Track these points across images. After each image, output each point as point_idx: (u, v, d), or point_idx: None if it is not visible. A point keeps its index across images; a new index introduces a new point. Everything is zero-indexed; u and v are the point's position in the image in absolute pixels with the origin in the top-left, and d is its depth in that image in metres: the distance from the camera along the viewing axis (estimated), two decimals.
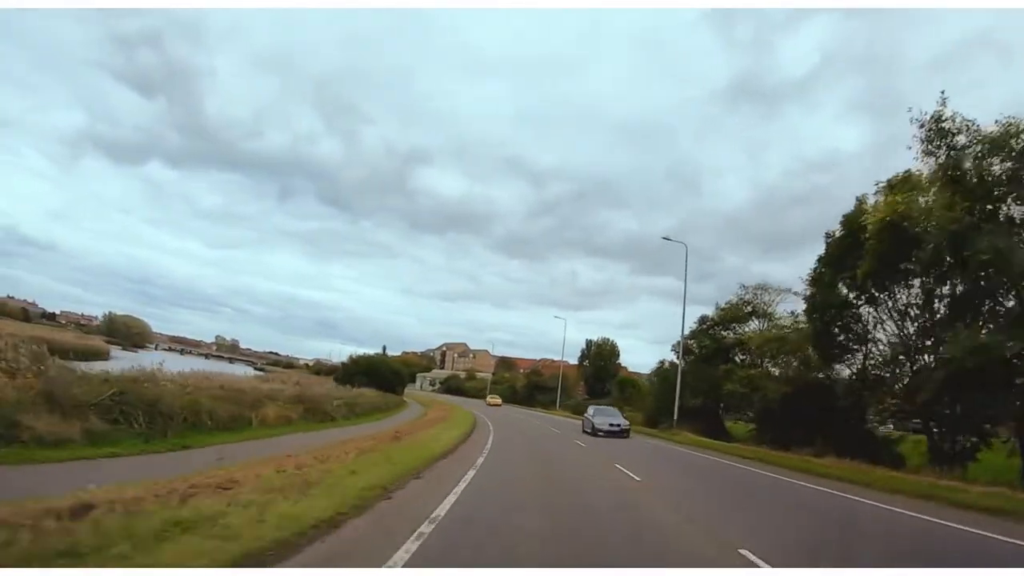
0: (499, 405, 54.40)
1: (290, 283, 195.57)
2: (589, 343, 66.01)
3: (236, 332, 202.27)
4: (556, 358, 77.83)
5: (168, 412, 12.15)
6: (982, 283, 13.82)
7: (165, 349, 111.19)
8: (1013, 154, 12.89)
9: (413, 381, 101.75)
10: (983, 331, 13.75)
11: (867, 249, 14.80)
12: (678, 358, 29.77)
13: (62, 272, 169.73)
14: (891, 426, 19.75)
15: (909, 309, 16.00)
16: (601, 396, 60.39)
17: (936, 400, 14.14)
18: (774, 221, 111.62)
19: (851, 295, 17.11)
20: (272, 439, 13.56)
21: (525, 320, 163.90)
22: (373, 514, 5.72)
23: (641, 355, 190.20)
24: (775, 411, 19.85)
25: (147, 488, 5.36)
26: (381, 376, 43.66)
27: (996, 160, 13.33)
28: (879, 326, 16.95)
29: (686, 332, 27.09)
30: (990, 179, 13.38)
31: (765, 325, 27.07)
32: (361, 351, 52.01)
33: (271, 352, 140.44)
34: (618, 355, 64.81)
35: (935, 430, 15.44)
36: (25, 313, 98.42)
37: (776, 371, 24.36)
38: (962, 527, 7.51)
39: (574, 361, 68.80)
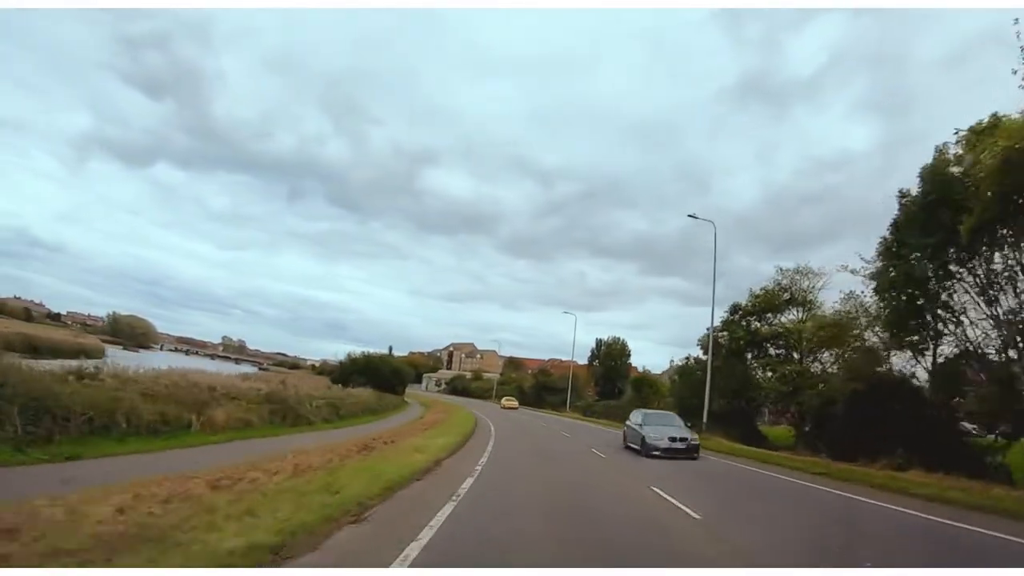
0: (515, 408, 48.96)
1: (300, 284, 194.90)
2: (599, 342, 63.39)
3: (246, 333, 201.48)
4: (565, 358, 74.95)
5: (63, 412, 9.23)
6: None
7: (171, 350, 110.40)
8: None
9: (419, 382, 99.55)
10: None
11: (981, 189, 11.35)
12: (704, 353, 26.44)
13: (72, 273, 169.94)
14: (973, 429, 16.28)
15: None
16: (612, 397, 57.24)
17: None
18: (784, 221, 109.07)
19: (938, 265, 13.63)
20: (202, 449, 10.58)
21: (533, 321, 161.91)
22: None
23: (651, 356, 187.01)
24: (834, 413, 16.48)
25: None
26: (380, 376, 40.86)
27: None
28: (981, 300, 13.43)
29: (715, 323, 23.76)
30: None
31: (804, 314, 23.64)
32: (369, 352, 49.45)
33: (279, 353, 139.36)
34: (629, 355, 61.99)
35: None
36: (27, 313, 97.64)
37: (831, 365, 20.89)
38: None
39: (583, 361, 65.83)
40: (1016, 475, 12.89)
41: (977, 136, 13.12)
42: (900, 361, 16.80)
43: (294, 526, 4.48)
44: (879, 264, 15.43)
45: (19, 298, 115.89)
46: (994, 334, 13.41)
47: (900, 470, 12.72)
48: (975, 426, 15.73)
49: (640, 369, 62.44)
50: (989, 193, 11.19)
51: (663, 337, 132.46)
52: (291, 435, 14.39)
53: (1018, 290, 12.82)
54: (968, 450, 13.66)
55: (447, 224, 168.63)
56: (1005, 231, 12.44)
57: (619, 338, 62.39)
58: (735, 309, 24.62)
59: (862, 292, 16.93)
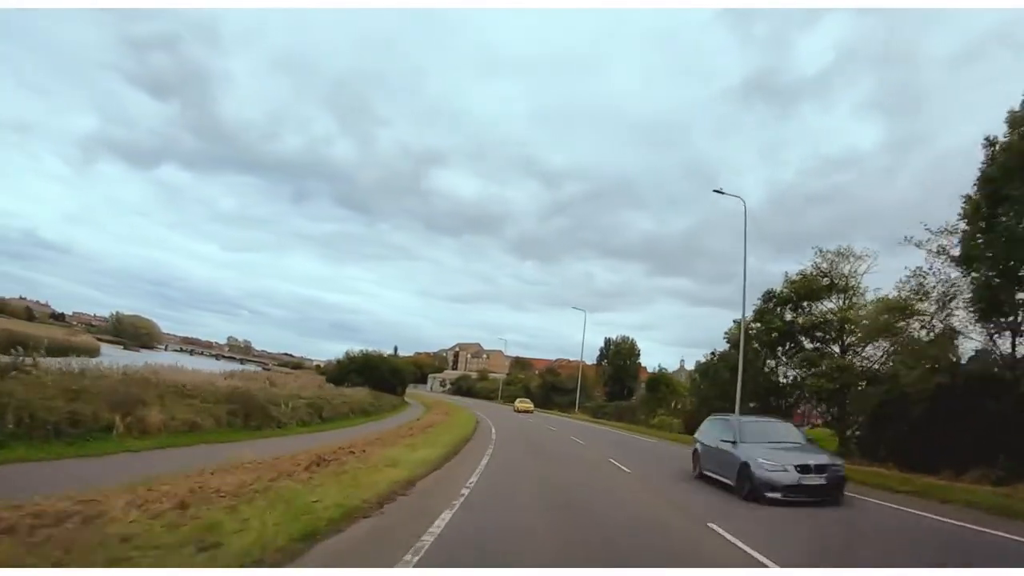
0: (531, 412, 43.35)
1: (308, 285, 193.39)
2: (608, 341, 61.83)
3: (253, 334, 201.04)
4: (572, 358, 72.52)
5: None
6: None
7: (176, 350, 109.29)
8: None
9: (424, 382, 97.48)
10: None
11: None
12: (732, 347, 23.68)
13: (80, 274, 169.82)
14: None
15: None
16: (621, 397, 54.54)
17: None
18: (791, 220, 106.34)
19: None
20: (101, 461, 8.09)
21: (540, 322, 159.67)
22: None
23: (659, 357, 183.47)
24: (900, 412, 13.70)
25: None
26: (378, 375, 38.53)
27: None
28: None
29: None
30: None
31: (846, 301, 20.76)
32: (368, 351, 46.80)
33: (286, 354, 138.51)
34: (638, 354, 60.07)
35: None
36: (28, 312, 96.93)
37: (886, 357, 17.98)
38: None
39: (591, 362, 63.45)
40: None
41: None
42: (973, 347, 14.04)
43: None
44: (963, 229, 12.62)
45: (24, 298, 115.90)
46: None
47: (1002, 484, 10.03)
48: None
49: (649, 369, 60.46)
50: None
51: (670, 338, 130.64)
52: (247, 441, 11.92)
53: None
54: None
55: (454, 225, 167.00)
56: None
57: (628, 337, 60.53)
58: (769, 296, 21.76)
59: (930, 269, 14.16)
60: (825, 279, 21.16)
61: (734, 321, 23.50)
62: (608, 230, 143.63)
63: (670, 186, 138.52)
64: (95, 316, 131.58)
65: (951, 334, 14.20)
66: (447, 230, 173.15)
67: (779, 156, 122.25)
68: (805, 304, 21.30)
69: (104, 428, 9.65)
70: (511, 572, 3.86)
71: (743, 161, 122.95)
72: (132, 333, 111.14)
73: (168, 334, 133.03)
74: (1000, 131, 12.05)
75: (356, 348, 41.88)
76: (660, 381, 40.26)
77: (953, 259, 13.44)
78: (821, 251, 21.04)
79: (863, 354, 20.33)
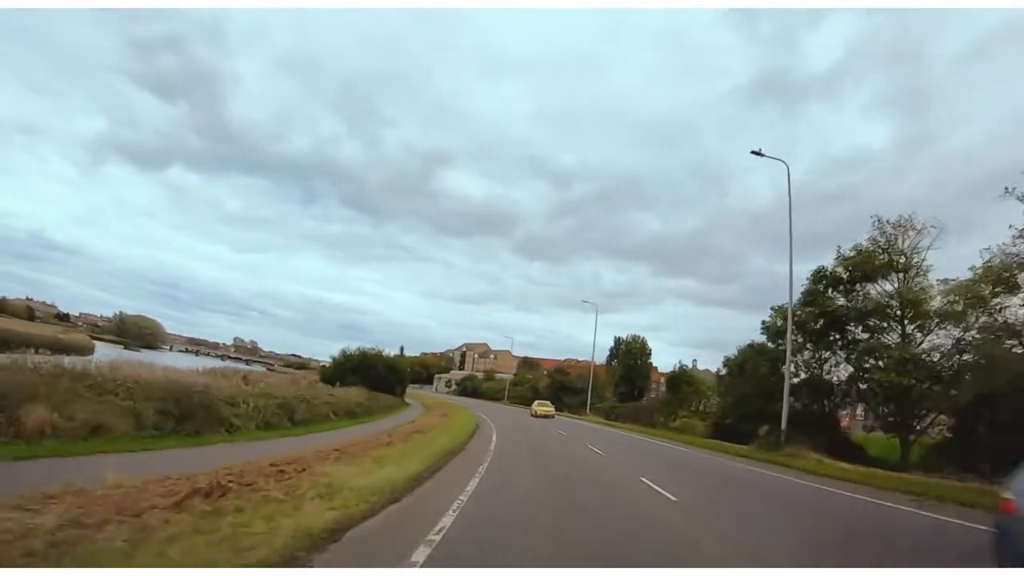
0: (551, 416, 37.75)
1: (315, 286, 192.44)
2: (618, 340, 59.61)
3: (261, 335, 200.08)
4: (581, 358, 69.79)
5: None
6: None
7: (181, 351, 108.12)
8: None
9: (430, 382, 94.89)
10: None
11: None
12: (771, 339, 20.53)
13: (88, 276, 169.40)
14: None
15: None
16: (632, 398, 51.43)
17: None
18: (800, 220, 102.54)
19: None
20: None
21: (548, 323, 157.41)
22: None
23: (667, 358, 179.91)
24: (998, 419, 10.62)
25: None
26: (375, 374, 35.69)
27: None
28: None
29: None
30: None
31: (906, 283, 17.55)
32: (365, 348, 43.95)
33: (293, 355, 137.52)
34: (649, 354, 57.90)
35: None
36: (29, 312, 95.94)
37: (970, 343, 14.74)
38: None
39: (600, 362, 60.83)
40: None
41: None
42: None
43: None
44: None
45: (30, 299, 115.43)
46: None
47: None
48: None
49: (660, 370, 57.99)
50: None
51: (677, 339, 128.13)
52: (169, 451, 9.13)
53: None
54: None
55: (462, 226, 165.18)
56: None
57: (639, 336, 58.15)
58: (818, 276, 18.47)
59: None
60: (883, 256, 17.96)
61: (772, 309, 20.36)
62: (615, 230, 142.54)
63: (677, 186, 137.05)
64: (101, 317, 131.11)
65: None
66: (455, 231, 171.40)
67: (787, 155, 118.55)
68: (859, 286, 18.09)
69: None
70: (512, 572, 3.79)
71: (751, 161, 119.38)
72: (136, 333, 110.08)
73: (174, 335, 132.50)
74: None
75: (361, 348, 39.01)
76: (681, 380, 36.58)
77: None
78: (880, 220, 17.79)
79: (925, 345, 17.19)
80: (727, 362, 25.13)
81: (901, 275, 18.04)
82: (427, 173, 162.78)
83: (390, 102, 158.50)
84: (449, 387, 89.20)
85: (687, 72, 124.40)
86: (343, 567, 3.70)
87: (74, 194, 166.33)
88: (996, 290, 12.52)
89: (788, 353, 16.24)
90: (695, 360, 57.46)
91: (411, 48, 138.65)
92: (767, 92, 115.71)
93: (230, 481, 5.80)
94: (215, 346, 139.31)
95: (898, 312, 17.60)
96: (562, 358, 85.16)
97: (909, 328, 17.44)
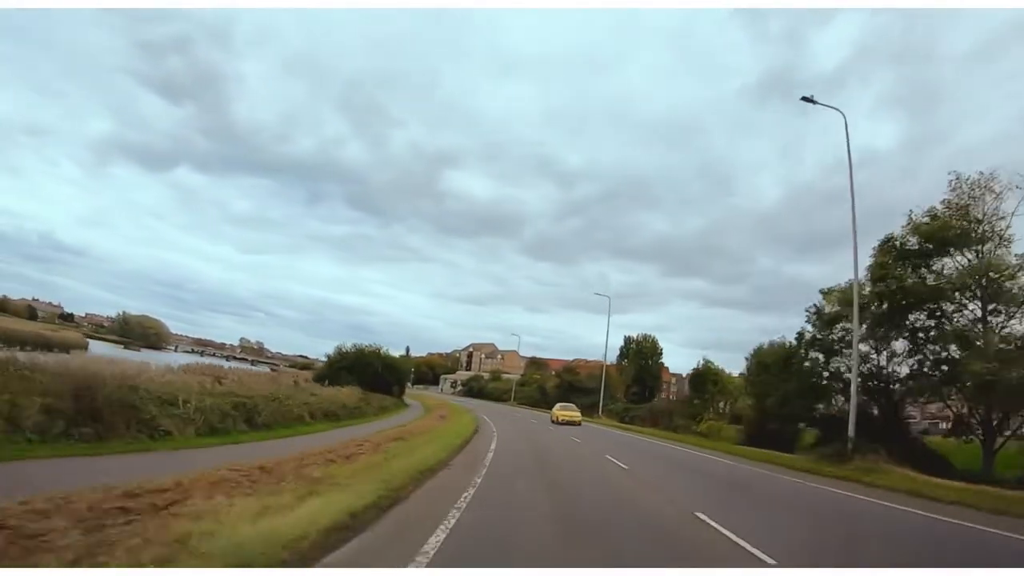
0: (577, 423, 29.83)
1: (321, 287, 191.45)
2: (628, 340, 57.28)
3: (267, 336, 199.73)
4: (590, 359, 67.12)
5: None
6: None
7: (186, 351, 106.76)
8: None
9: (435, 383, 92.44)
10: None
11: None
12: (814, 326, 17.46)
13: (95, 277, 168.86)
14: None
15: None
16: (644, 399, 48.61)
17: None
18: (808, 220, 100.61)
19: None
20: None
21: (555, 323, 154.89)
22: None
23: (674, 358, 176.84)
24: None
25: None
26: (372, 372, 33.05)
27: None
28: None
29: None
30: None
31: (986, 255, 14.43)
32: (361, 345, 41.59)
33: (300, 355, 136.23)
34: (660, 353, 56.56)
35: None
36: (31, 311, 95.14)
37: None
38: None
39: (610, 362, 58.32)
40: None
41: None
42: None
43: None
44: None
45: (36, 299, 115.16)
46: None
47: None
48: None
49: (671, 370, 55.91)
50: None
51: (685, 339, 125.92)
52: (11, 464, 6.43)
53: None
54: None
55: (468, 226, 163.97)
56: None
57: (650, 335, 55.79)
58: (887, 246, 15.26)
59: None
60: (960, 223, 14.82)
61: (821, 292, 17.24)
62: (622, 231, 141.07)
63: (684, 186, 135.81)
64: (106, 318, 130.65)
65: None
66: (461, 231, 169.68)
67: (796, 154, 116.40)
68: (933, 259, 14.95)
69: None
70: (514, 572, 3.75)
71: (759, 160, 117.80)
72: (139, 333, 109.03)
73: (180, 335, 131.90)
74: None
75: (357, 345, 36.39)
76: (707, 377, 32.29)
77: None
78: (959, 176, 14.67)
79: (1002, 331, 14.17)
80: (758, 353, 21.83)
81: (979, 247, 15.01)
82: (433, 174, 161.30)
83: (396, 102, 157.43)
84: (455, 388, 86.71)
85: (694, 71, 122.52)
86: (343, 567, 3.57)
87: (81, 195, 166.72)
88: None
89: (856, 338, 13.22)
90: (706, 360, 54.94)
91: (418, 48, 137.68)
92: (776, 91, 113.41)
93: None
94: (221, 347, 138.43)
95: (976, 291, 14.56)
96: (570, 358, 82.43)
97: (990, 308, 14.41)
